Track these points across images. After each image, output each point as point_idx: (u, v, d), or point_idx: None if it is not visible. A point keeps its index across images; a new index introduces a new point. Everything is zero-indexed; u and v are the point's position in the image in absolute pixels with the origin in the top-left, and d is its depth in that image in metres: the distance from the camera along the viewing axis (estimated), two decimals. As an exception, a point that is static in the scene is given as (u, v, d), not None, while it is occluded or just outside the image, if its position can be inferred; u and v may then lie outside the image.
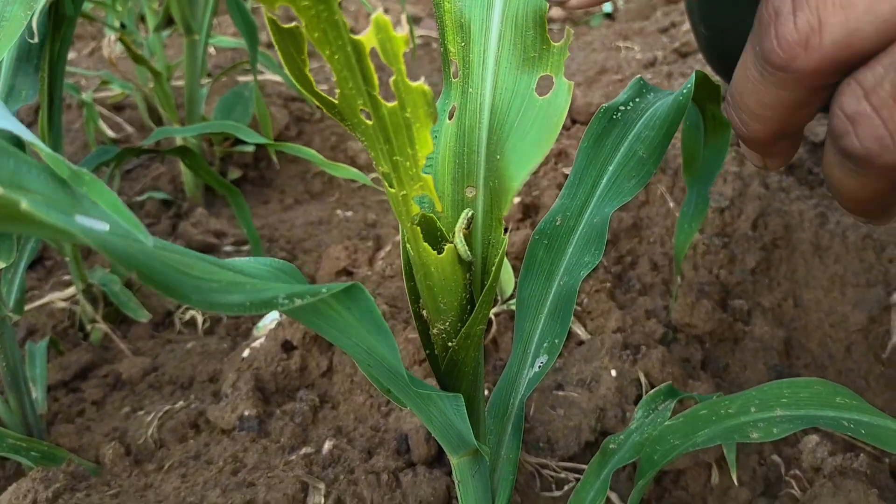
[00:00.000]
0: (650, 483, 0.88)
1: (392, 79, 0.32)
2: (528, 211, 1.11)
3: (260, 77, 1.68)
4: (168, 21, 1.42)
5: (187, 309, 1.11)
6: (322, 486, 0.75)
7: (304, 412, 0.85)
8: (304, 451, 0.80)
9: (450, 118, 0.50)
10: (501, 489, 0.60)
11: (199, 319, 1.09)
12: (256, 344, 0.95)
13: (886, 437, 0.61)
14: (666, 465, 0.89)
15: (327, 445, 0.80)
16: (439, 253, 0.44)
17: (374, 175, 1.48)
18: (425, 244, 0.44)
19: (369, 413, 0.86)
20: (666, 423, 0.65)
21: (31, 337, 1.07)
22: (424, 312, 0.49)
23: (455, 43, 0.49)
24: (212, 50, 1.96)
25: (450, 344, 0.48)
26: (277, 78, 1.65)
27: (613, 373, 0.92)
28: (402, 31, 0.29)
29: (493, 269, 0.46)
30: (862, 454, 0.85)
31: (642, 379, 0.91)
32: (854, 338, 1.09)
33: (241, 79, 1.73)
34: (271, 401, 0.89)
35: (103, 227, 0.27)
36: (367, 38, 0.30)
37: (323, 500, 0.74)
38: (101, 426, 0.91)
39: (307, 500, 0.74)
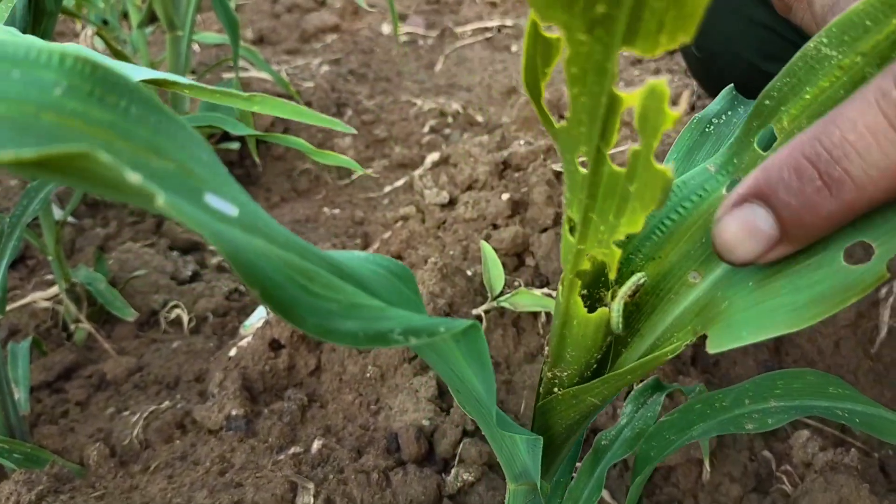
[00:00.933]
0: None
1: (634, 148, 0.28)
2: (517, 208, 1.10)
3: (245, 74, 1.67)
4: (151, 17, 1.40)
5: (173, 307, 1.10)
6: (311, 485, 0.74)
7: (293, 411, 0.84)
8: (292, 450, 0.79)
9: (727, 189, 0.42)
10: None
11: (185, 318, 1.08)
12: (244, 343, 0.93)
13: (881, 426, 0.61)
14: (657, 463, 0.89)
15: (316, 445, 0.79)
16: (591, 310, 0.40)
17: (368, 168, 1.47)
18: (578, 299, 0.40)
19: (358, 412, 0.86)
20: (661, 420, 0.65)
21: (13, 337, 1.05)
22: (546, 350, 0.47)
23: (797, 122, 0.39)
24: (196, 47, 1.94)
25: (555, 391, 0.45)
26: (264, 75, 1.63)
27: (604, 369, 0.91)
28: (678, 109, 0.25)
29: (645, 364, 0.39)
30: (853, 449, 0.85)
31: (633, 375, 0.90)
32: (843, 333, 1.10)
33: (227, 76, 1.72)
34: (259, 400, 0.88)
35: (233, 211, 0.25)
36: (632, 97, 0.26)
37: (312, 500, 0.73)
38: (85, 427, 0.89)
39: (296, 501, 0.73)
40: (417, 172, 1.31)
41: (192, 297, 1.13)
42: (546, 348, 0.45)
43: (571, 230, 0.36)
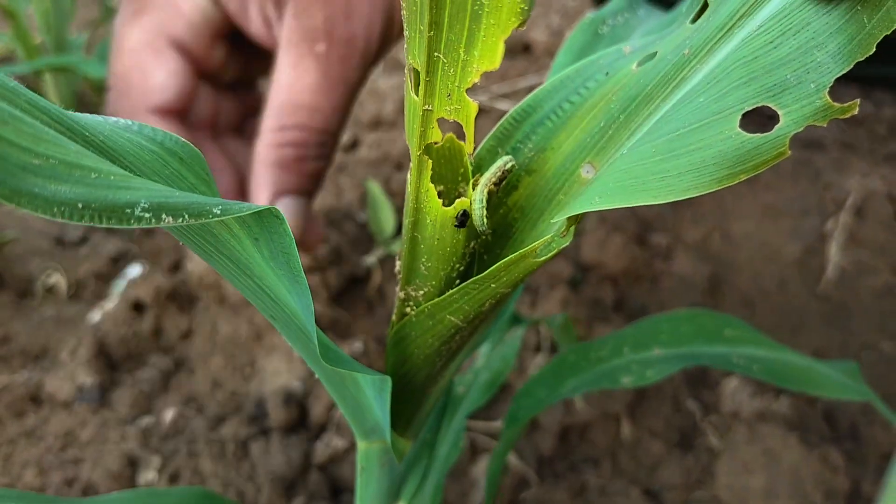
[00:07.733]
0: (552, 441, 0.78)
1: None
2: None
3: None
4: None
5: (52, 272, 1.00)
6: (157, 459, 0.65)
7: (154, 379, 0.75)
8: (145, 421, 0.70)
9: (638, 64, 0.35)
10: (410, 483, 0.49)
11: (63, 284, 0.98)
12: (110, 306, 0.84)
13: (783, 372, 0.52)
14: (569, 420, 0.80)
15: (170, 414, 0.70)
16: (447, 202, 0.33)
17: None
18: (430, 185, 0.32)
19: (231, 376, 0.76)
20: (532, 375, 0.56)
21: None
22: (398, 264, 0.37)
23: None
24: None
25: (407, 310, 0.37)
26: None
27: (511, 319, 0.82)
28: None
29: (511, 265, 0.31)
30: (783, 396, 0.76)
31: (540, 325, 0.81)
32: (787, 272, 1.00)
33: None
34: (121, 368, 0.79)
35: None
36: None
37: (156, 476, 0.64)
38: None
39: (137, 476, 0.64)
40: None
41: (75, 261, 1.03)
42: (398, 264, 0.36)
43: (415, 86, 0.29)
